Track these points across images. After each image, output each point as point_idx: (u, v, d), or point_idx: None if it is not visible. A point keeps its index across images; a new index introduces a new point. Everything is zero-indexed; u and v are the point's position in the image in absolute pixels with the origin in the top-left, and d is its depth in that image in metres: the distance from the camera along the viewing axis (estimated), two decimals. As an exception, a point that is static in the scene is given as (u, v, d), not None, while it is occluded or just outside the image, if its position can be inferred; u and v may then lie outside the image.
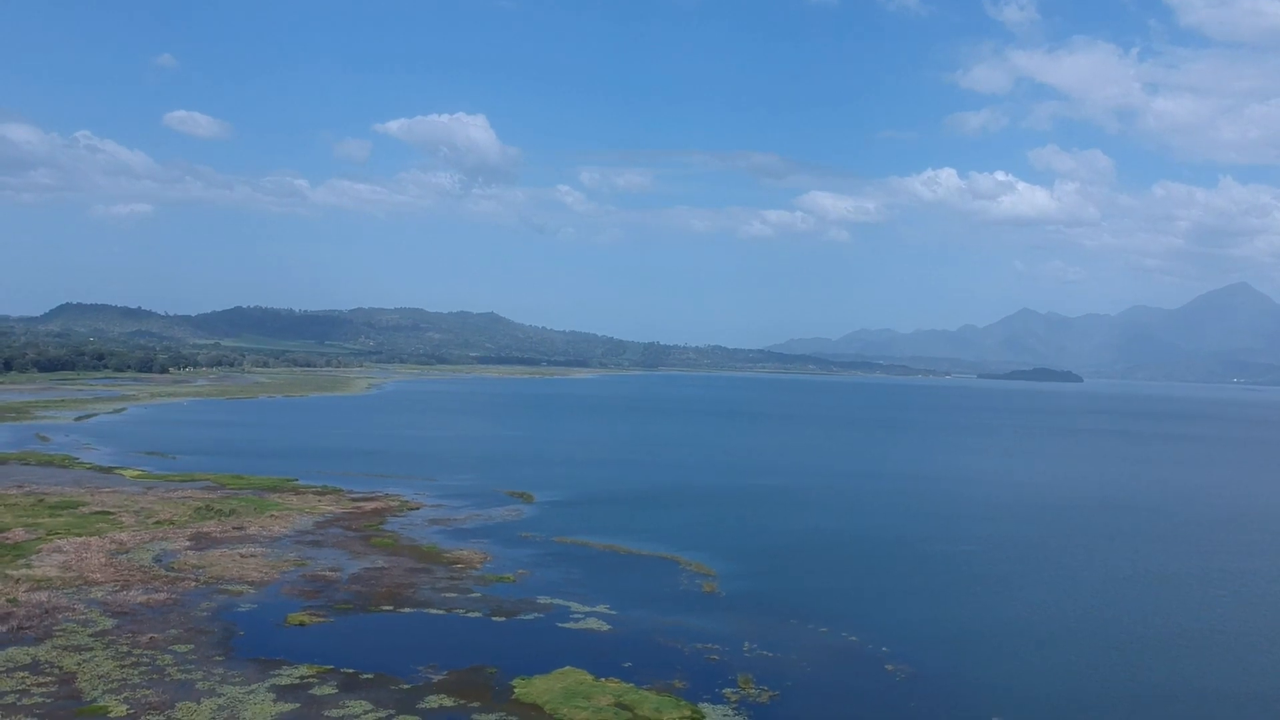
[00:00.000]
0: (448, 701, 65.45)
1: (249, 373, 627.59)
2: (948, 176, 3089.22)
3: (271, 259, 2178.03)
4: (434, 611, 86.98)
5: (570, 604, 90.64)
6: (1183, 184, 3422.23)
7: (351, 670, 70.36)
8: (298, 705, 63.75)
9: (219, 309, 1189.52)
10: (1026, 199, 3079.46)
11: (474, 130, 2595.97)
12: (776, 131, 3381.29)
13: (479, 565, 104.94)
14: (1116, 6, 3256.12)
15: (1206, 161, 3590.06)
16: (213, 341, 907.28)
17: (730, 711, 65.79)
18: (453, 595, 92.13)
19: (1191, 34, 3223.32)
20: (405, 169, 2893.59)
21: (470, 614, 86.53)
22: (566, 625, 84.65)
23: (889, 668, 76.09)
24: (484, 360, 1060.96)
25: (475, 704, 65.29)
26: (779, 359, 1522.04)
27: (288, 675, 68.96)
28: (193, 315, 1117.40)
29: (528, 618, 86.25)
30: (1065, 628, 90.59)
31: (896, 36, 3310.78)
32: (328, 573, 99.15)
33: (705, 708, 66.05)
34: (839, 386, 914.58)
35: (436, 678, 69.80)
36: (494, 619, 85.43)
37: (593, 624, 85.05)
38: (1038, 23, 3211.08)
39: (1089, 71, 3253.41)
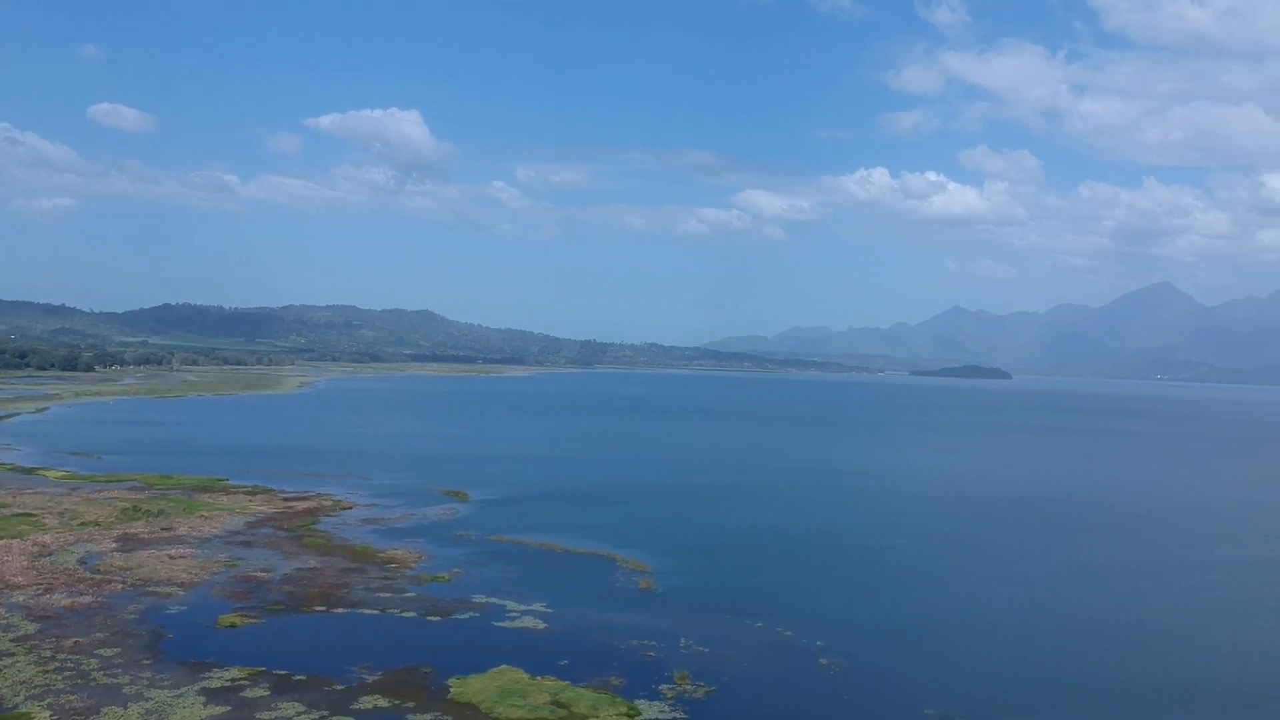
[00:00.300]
0: (382, 702, 64.77)
1: (178, 371, 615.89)
2: (880, 176, 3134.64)
3: (201, 255, 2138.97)
4: (368, 611, 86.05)
5: (506, 603, 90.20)
6: (1108, 185, 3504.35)
7: (284, 672, 69.31)
8: (229, 708, 62.69)
9: (146, 306, 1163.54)
10: (957, 199, 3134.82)
11: (407, 126, 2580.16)
12: (713, 130, 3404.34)
13: (413, 565, 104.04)
14: (1044, 10, 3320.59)
15: (1130, 163, 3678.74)
16: (140, 339, 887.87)
17: (667, 708, 65.88)
18: (387, 595, 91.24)
19: (1116, 37, 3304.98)
20: (338, 164, 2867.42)
21: (405, 614, 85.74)
22: (502, 624, 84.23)
23: (824, 662, 76.77)
24: (419, 358, 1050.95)
25: (410, 704, 64.70)
26: (715, 357, 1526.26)
27: (218, 678, 67.78)
28: (119, 312, 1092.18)
29: (463, 617, 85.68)
30: (998, 620, 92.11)
31: (830, 37, 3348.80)
32: (259, 573, 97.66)
33: (642, 704, 66.07)
34: (775, 384, 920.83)
35: (371, 678, 69.04)
36: (429, 619, 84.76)
37: (529, 622, 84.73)
38: (968, 25, 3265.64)
39: (1017, 73, 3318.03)
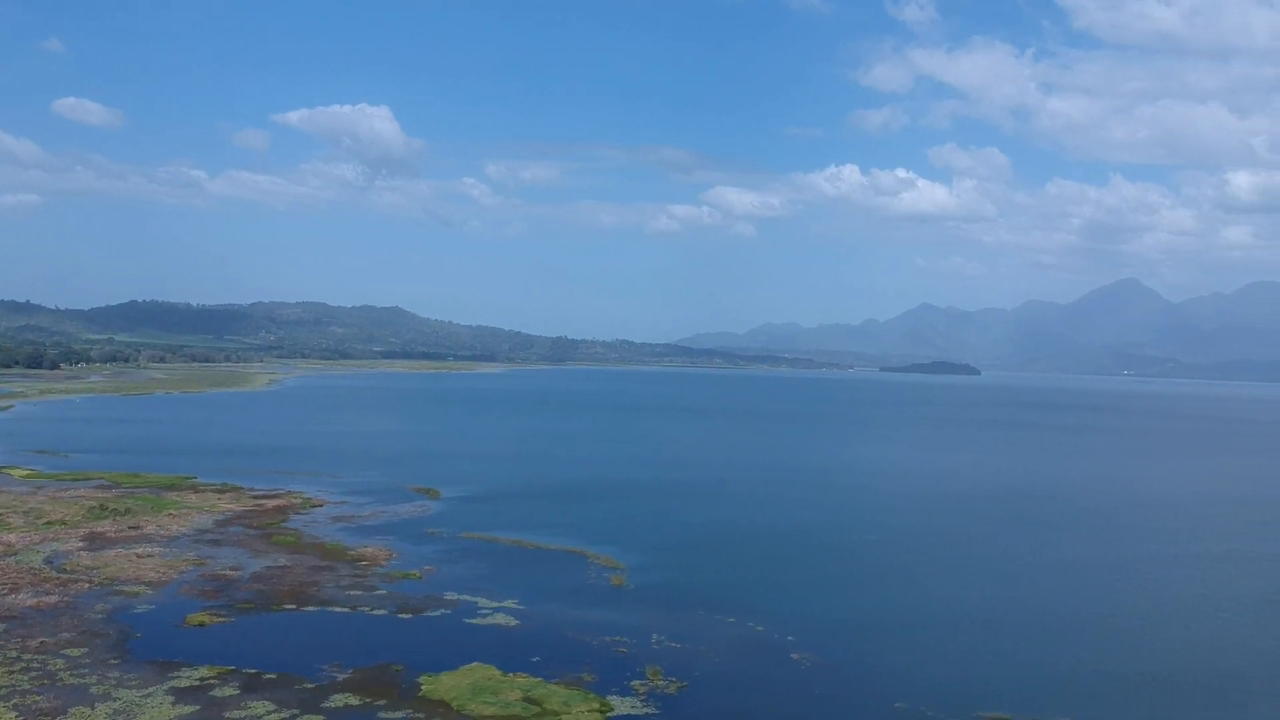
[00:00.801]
0: (353, 700, 64.47)
1: (145, 368, 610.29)
2: (850, 173, 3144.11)
3: (168, 251, 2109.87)
4: (338, 609, 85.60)
5: (478, 600, 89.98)
6: (1075, 182, 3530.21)
7: (254, 670, 68.87)
8: (198, 707, 62.22)
9: (113, 303, 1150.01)
10: (926, 196, 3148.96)
11: (377, 122, 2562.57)
12: (684, 126, 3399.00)
13: (384, 562, 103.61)
14: (1013, 8, 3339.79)
15: (1098, 161, 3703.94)
16: (106, 336, 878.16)
17: (639, 703, 65.93)
18: (357, 593, 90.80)
19: (1084, 36, 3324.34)
20: (307, 160, 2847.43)
21: (376, 611, 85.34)
22: (474, 621, 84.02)
23: (795, 656, 77.04)
24: (388, 355, 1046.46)
25: (382, 702, 64.44)
26: (686, 353, 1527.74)
27: (187, 677, 67.25)
28: (85, 309, 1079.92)
29: (434, 614, 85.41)
30: (970, 614, 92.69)
31: (801, 35, 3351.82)
32: (228, 572, 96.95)
33: (614, 700, 66.10)
34: (745, 380, 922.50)
35: (341, 676, 68.71)
36: (400, 616, 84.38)
37: (500, 619, 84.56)
38: (937, 22, 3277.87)
39: (986, 71, 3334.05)
